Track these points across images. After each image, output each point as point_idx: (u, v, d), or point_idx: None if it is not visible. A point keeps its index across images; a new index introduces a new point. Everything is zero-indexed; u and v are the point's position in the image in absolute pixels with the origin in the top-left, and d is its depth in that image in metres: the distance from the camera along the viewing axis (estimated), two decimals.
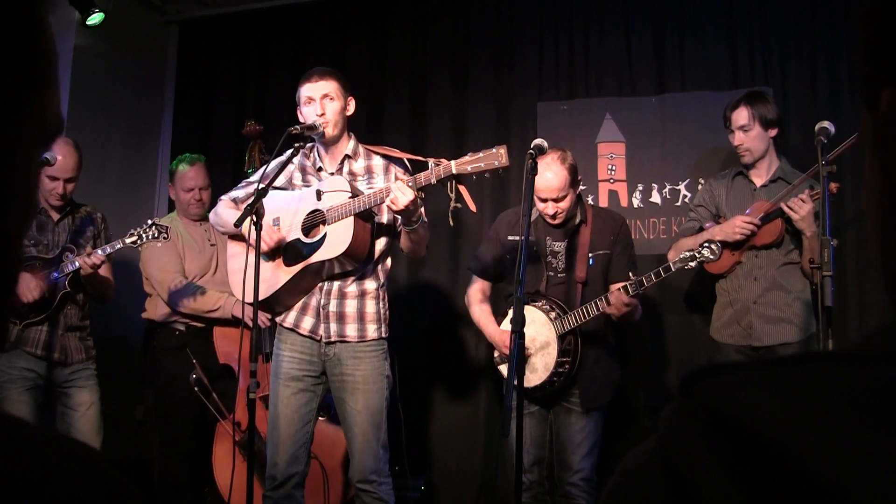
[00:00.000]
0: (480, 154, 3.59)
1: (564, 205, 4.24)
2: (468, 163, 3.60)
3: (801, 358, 0.48)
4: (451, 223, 3.71)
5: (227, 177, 6.16)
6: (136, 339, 5.63)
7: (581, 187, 4.35)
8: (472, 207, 3.72)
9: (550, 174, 4.16)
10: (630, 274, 4.07)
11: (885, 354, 0.47)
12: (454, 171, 3.61)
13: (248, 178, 4.44)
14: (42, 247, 4.67)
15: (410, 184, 3.67)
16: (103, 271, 4.75)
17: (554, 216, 4.27)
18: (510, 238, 4.35)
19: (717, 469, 0.45)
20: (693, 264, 4.02)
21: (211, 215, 4.38)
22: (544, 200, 4.23)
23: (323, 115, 3.97)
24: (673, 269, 4.01)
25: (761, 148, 4.48)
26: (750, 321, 4.43)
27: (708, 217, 4.65)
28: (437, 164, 3.67)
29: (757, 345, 4.40)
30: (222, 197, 4.30)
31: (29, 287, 4.47)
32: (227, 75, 6.83)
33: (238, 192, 4.24)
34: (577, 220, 4.33)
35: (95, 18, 5.83)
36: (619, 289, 4.03)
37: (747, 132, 4.46)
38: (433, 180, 3.67)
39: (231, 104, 6.74)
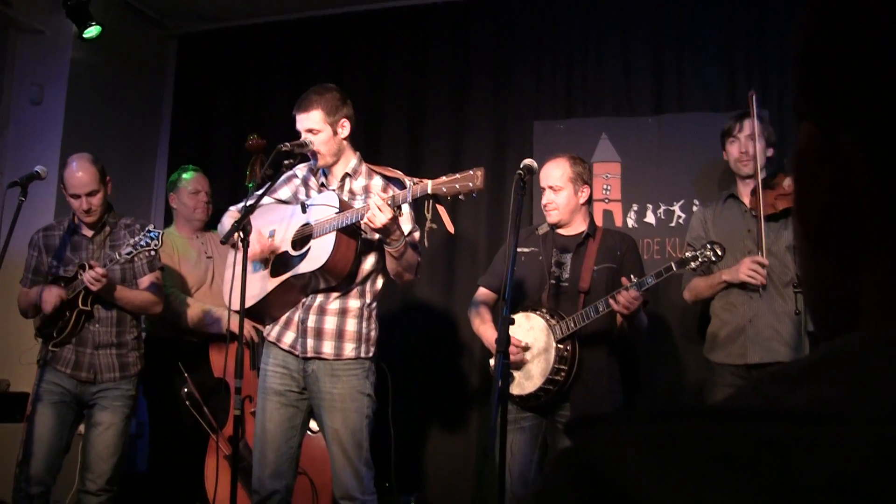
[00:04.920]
0: (457, 175, 3.59)
1: (559, 199, 4.31)
2: (444, 183, 3.60)
3: (675, 412, 0.48)
4: (426, 244, 3.74)
5: (225, 191, 6.21)
6: None
7: (583, 193, 4.35)
8: (450, 229, 3.75)
9: (553, 163, 4.34)
10: (632, 277, 4.03)
11: (745, 411, 0.47)
12: (430, 191, 3.61)
13: (248, 191, 4.47)
14: (73, 266, 4.61)
15: (389, 202, 3.68)
16: (146, 283, 4.74)
17: (546, 206, 4.35)
18: (519, 250, 4.29)
19: None
20: (695, 265, 4.01)
21: (219, 226, 4.42)
22: (543, 189, 4.37)
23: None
24: (675, 269, 4.00)
25: (762, 162, 4.45)
26: (744, 341, 4.36)
27: None
28: (416, 184, 3.69)
29: (751, 362, 4.33)
30: (230, 208, 4.34)
31: (45, 299, 4.48)
32: (226, 90, 6.86)
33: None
34: (585, 234, 4.35)
35: (92, 32, 5.85)
36: (624, 287, 3.97)
37: (754, 142, 4.43)
38: (409, 199, 3.70)
39: (229, 119, 6.76)
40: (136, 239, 4.44)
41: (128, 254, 4.43)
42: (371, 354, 4.06)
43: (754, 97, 4.36)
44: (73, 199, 4.63)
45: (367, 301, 4.07)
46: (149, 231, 4.44)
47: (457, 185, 3.58)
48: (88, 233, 4.74)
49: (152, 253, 4.56)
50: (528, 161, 3.71)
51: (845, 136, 0.56)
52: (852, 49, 0.55)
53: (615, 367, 4.34)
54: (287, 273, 3.94)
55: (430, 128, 6.22)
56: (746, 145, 4.45)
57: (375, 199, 3.69)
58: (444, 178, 3.62)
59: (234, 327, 3.99)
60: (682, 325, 5.31)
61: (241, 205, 4.25)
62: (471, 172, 3.57)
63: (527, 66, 6.04)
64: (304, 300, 4.03)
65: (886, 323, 0.55)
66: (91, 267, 4.42)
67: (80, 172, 4.61)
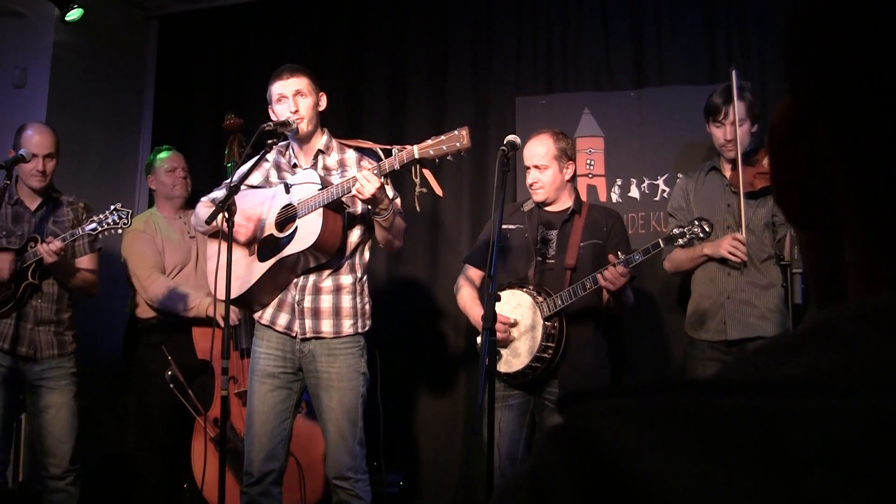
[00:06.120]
0: (442, 137, 3.61)
1: (545, 178, 4.29)
2: (430, 146, 3.61)
3: (668, 385, 0.48)
4: (418, 208, 3.73)
5: (207, 171, 6.20)
6: (119, 333, 5.62)
7: (568, 170, 4.35)
8: (438, 192, 3.75)
9: (536, 141, 4.31)
10: (619, 253, 4.01)
11: (737, 382, 0.47)
12: (416, 155, 3.63)
13: (228, 171, 4.46)
14: (15, 237, 4.57)
15: (375, 172, 3.69)
16: (86, 263, 4.71)
17: (532, 186, 4.32)
18: (504, 227, 4.26)
19: (579, 500, 0.45)
20: (682, 242, 4.02)
21: (192, 217, 4.40)
22: (528, 168, 4.33)
23: (297, 111, 3.98)
24: (662, 246, 4.00)
25: (747, 142, 4.43)
26: (724, 317, 4.38)
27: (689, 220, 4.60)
28: (401, 150, 3.69)
29: (731, 339, 4.35)
30: (202, 198, 4.29)
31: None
32: (207, 70, 6.82)
33: (217, 193, 4.22)
34: (571, 210, 4.34)
35: (74, 14, 5.79)
36: (612, 263, 3.95)
37: (741, 126, 4.38)
38: (397, 166, 3.69)
39: (211, 99, 6.72)
40: (103, 216, 4.41)
41: (92, 230, 4.40)
42: (367, 328, 4.08)
43: (735, 73, 4.33)
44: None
45: (359, 275, 4.08)
46: (116, 209, 4.42)
47: (443, 147, 3.59)
48: (31, 205, 4.70)
49: (120, 231, 4.52)
50: (511, 137, 3.69)
51: (817, 115, 0.56)
52: (827, 30, 0.54)
53: (602, 343, 4.34)
54: (276, 256, 3.93)
55: (411, 105, 6.19)
56: (733, 132, 4.39)
57: (363, 171, 3.71)
58: (429, 142, 3.63)
59: (214, 314, 3.97)
60: (663, 298, 5.33)
61: (212, 195, 4.24)
62: (455, 132, 3.59)
63: (507, 42, 6.01)
64: (295, 281, 4.02)
65: (871, 293, 0.54)
66: (48, 241, 4.38)
67: (40, 135, 4.61)
